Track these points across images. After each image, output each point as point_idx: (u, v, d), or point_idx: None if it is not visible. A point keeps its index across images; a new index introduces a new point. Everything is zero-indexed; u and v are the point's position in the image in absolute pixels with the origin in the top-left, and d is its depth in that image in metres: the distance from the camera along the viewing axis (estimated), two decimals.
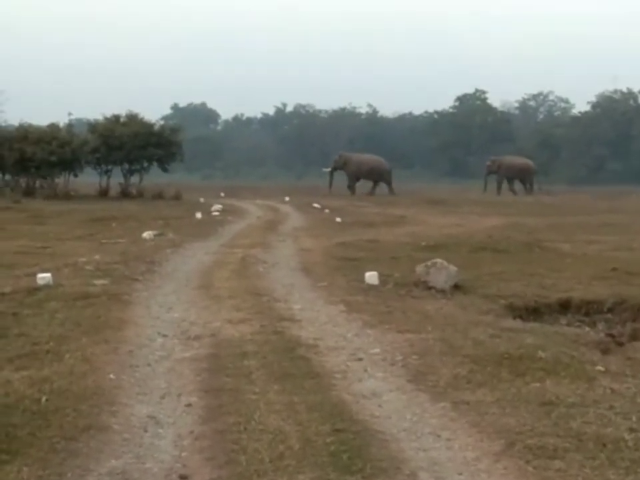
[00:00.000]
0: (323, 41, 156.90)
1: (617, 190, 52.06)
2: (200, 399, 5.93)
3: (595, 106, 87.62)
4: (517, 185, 51.82)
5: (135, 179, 40.59)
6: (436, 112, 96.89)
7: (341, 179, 48.75)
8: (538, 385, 6.14)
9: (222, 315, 8.99)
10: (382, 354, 7.32)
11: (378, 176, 47.57)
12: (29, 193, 37.14)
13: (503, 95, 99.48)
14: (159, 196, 37.13)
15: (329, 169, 48.79)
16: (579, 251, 16.15)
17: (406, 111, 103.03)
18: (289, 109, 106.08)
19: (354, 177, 47.62)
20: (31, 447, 4.85)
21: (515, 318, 9.59)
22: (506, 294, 10.80)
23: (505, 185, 51.78)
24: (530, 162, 53.23)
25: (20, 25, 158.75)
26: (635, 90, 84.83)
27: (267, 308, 9.50)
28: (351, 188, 47.25)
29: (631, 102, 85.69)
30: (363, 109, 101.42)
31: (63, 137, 37.91)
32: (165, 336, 8.03)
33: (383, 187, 47.58)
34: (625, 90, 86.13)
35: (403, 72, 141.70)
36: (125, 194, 38.47)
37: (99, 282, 10.78)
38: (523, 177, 51.87)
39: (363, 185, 48.26)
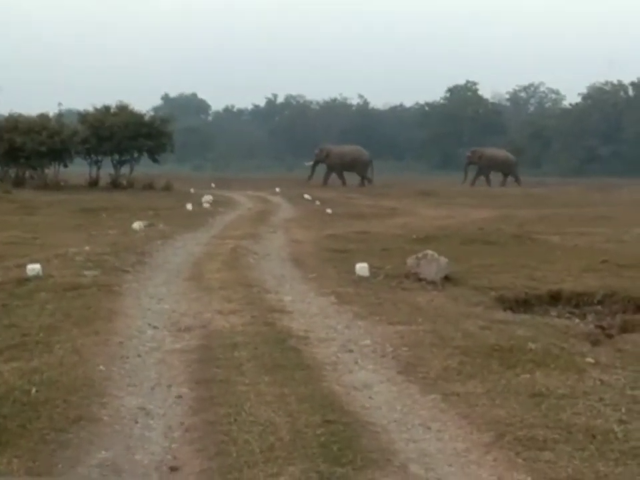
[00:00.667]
0: (314, 32, 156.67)
1: (609, 182, 52.22)
2: (190, 390, 5.92)
3: (585, 97, 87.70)
4: (496, 177, 52.55)
5: (125, 169, 40.45)
6: (427, 103, 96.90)
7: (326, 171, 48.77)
8: (528, 376, 6.16)
9: (212, 306, 8.98)
10: (372, 345, 7.32)
11: (360, 167, 47.68)
12: (19, 183, 36.95)
13: (494, 87, 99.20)
14: (149, 187, 37.00)
15: (311, 163, 48.97)
16: (569, 243, 16.19)
17: (397, 102, 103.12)
18: (280, 99, 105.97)
19: (336, 169, 47.78)
20: (21, 438, 4.84)
21: (505, 310, 9.61)
22: (496, 286, 10.83)
23: (495, 176, 52.33)
24: (510, 155, 53.80)
25: (9, 14, 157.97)
26: (626, 82, 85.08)
27: (257, 299, 9.49)
28: (327, 179, 47.41)
29: (622, 94, 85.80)
30: (354, 100, 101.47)
31: (53, 127, 37.69)
32: (155, 327, 8.01)
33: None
34: (615, 82, 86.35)
35: (393, 63, 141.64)
36: (115, 184, 38.30)
37: (89, 273, 10.75)
38: (502, 169, 52.55)
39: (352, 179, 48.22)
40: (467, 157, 52.83)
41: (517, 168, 53.09)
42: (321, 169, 48.68)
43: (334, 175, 47.95)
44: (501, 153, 53.78)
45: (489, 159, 51.64)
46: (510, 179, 52.19)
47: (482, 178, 52.12)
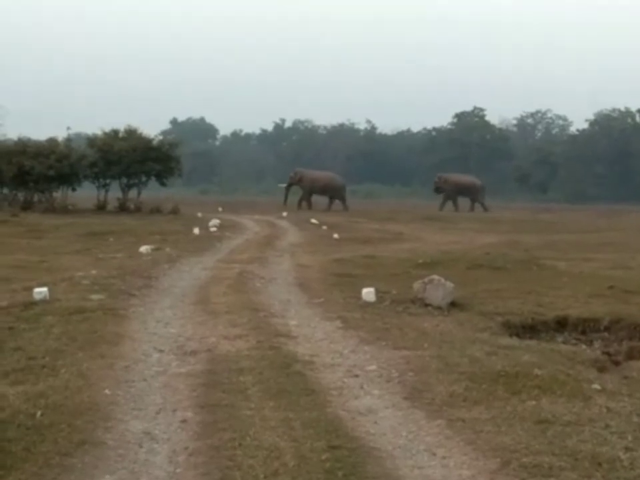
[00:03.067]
0: (322, 57, 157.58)
1: (615, 208, 52.22)
2: (195, 415, 5.92)
3: (592, 124, 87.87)
4: (463, 202, 52.98)
5: (133, 193, 40.62)
6: (434, 129, 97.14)
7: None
8: (534, 403, 6.14)
9: (218, 331, 8.98)
10: (378, 371, 7.31)
11: (332, 192, 48.45)
12: (27, 206, 37.12)
13: (501, 113, 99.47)
14: (156, 210, 37.13)
15: (285, 185, 49.87)
16: (576, 269, 16.15)
17: (404, 127, 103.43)
18: (288, 124, 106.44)
19: (308, 193, 48.65)
20: (26, 462, 4.84)
21: (511, 335, 9.58)
22: (503, 311, 10.80)
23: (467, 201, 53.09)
24: (476, 180, 54.45)
25: (19, 39, 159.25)
26: (633, 108, 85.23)
27: (263, 323, 9.49)
28: (301, 203, 48.14)
29: (629, 120, 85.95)
30: (362, 125, 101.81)
31: (62, 151, 37.90)
32: (161, 351, 8.02)
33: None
34: (622, 108, 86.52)
35: (401, 88, 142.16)
36: (122, 208, 38.46)
37: (95, 296, 10.77)
38: (468, 194, 53.10)
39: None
40: (434, 183, 53.95)
41: (483, 193, 53.49)
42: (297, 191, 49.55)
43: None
44: (467, 178, 54.55)
45: (455, 184, 52.40)
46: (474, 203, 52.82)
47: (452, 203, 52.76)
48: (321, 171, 51.62)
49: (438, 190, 53.26)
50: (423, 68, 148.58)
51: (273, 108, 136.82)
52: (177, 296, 11.61)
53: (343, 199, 47.98)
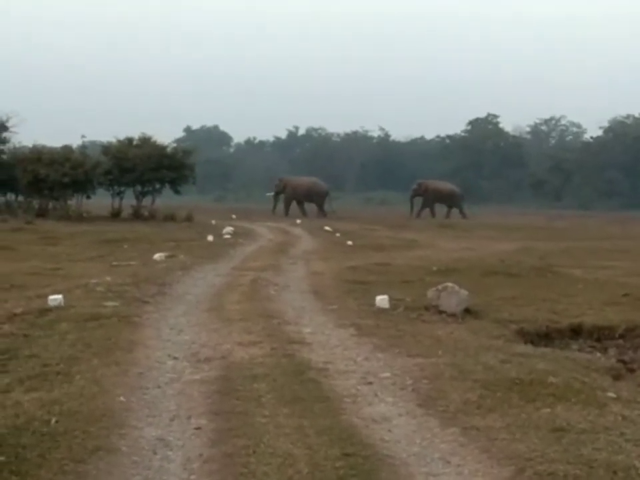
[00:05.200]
0: (335, 65, 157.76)
1: (629, 215, 52.03)
2: (209, 422, 5.92)
3: (607, 131, 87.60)
4: (441, 209, 53.23)
5: (147, 200, 40.77)
6: (448, 136, 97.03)
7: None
8: (548, 410, 6.11)
9: (232, 338, 8.98)
10: (392, 378, 7.30)
11: (315, 197, 49.12)
12: (42, 214, 37.31)
13: (515, 120, 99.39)
14: (170, 218, 37.26)
15: (272, 193, 50.88)
16: (590, 276, 16.10)
17: (418, 135, 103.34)
18: (301, 132, 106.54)
19: (292, 200, 49.55)
20: (40, 469, 4.85)
21: (526, 343, 9.56)
22: (517, 319, 10.78)
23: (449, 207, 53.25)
24: (454, 187, 54.88)
25: (36, 49, 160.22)
26: None
27: (277, 331, 9.49)
28: (287, 210, 49.02)
29: None
30: (375, 133, 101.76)
31: (76, 159, 38.10)
32: (175, 358, 8.03)
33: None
34: (637, 115, 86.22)
35: (415, 95, 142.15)
36: (137, 215, 38.62)
37: (109, 304, 10.80)
38: (446, 201, 53.38)
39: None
40: (412, 190, 53.87)
41: (462, 201, 53.65)
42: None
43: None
44: (446, 185, 54.93)
45: (434, 192, 52.59)
46: (455, 210, 52.85)
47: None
48: (305, 177, 52.59)
49: (415, 197, 53.24)
50: (437, 75, 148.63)
51: (287, 116, 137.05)
52: (191, 303, 11.63)
53: (323, 204, 48.50)
